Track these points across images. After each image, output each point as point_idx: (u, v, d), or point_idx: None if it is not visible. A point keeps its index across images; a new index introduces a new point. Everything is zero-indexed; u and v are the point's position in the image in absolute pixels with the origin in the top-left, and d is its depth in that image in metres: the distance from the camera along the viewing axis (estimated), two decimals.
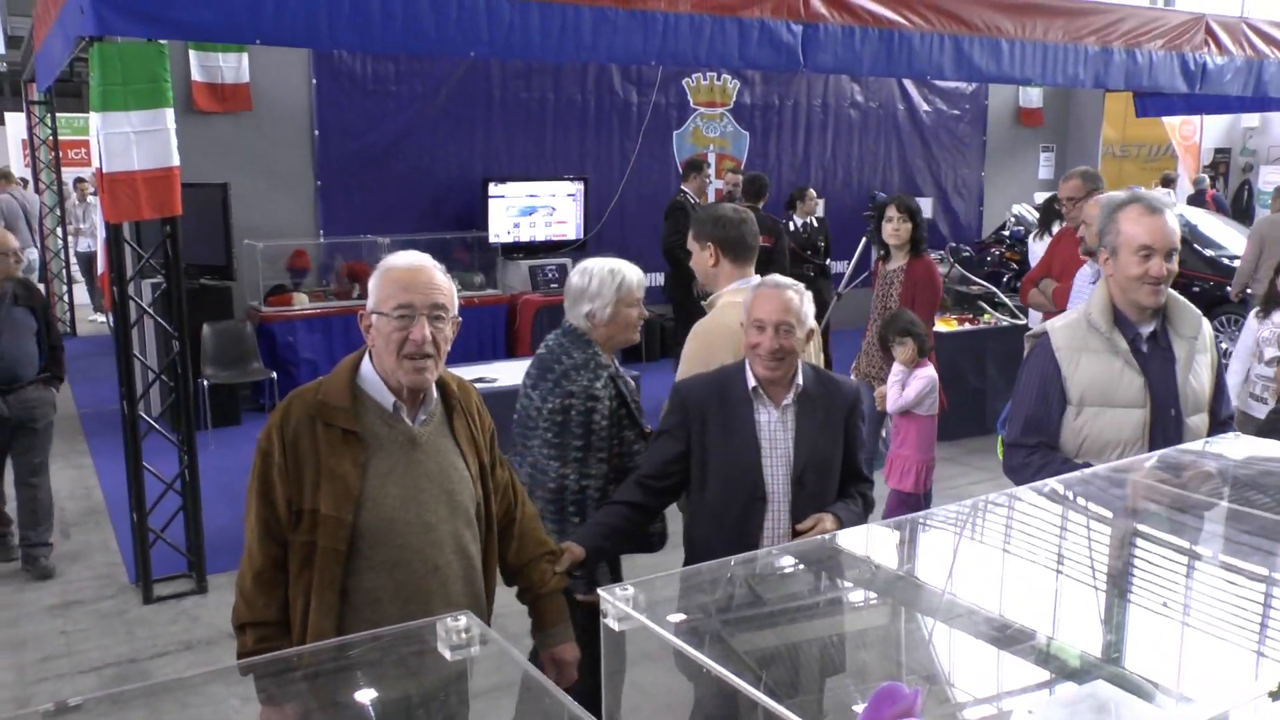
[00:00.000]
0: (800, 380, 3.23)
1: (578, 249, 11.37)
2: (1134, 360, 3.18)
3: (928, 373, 5.71)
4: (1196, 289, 10.67)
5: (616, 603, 1.36)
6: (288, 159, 10.19)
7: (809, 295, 3.28)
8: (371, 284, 2.62)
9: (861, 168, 13.43)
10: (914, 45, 6.91)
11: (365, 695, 1.69)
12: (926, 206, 13.54)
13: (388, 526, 2.54)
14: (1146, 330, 3.23)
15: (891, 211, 6.24)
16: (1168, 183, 15.47)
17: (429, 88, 10.72)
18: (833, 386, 3.33)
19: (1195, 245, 11.42)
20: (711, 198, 11.06)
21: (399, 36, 5.68)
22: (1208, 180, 17.04)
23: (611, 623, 1.36)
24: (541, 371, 3.65)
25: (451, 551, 2.64)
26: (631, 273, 3.66)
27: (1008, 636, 1.50)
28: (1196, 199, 16.13)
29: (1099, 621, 1.59)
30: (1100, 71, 7.99)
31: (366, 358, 2.67)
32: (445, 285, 2.63)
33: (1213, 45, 8.59)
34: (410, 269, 2.60)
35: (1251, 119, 17.13)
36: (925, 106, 13.80)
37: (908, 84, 13.44)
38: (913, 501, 5.66)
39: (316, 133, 10.28)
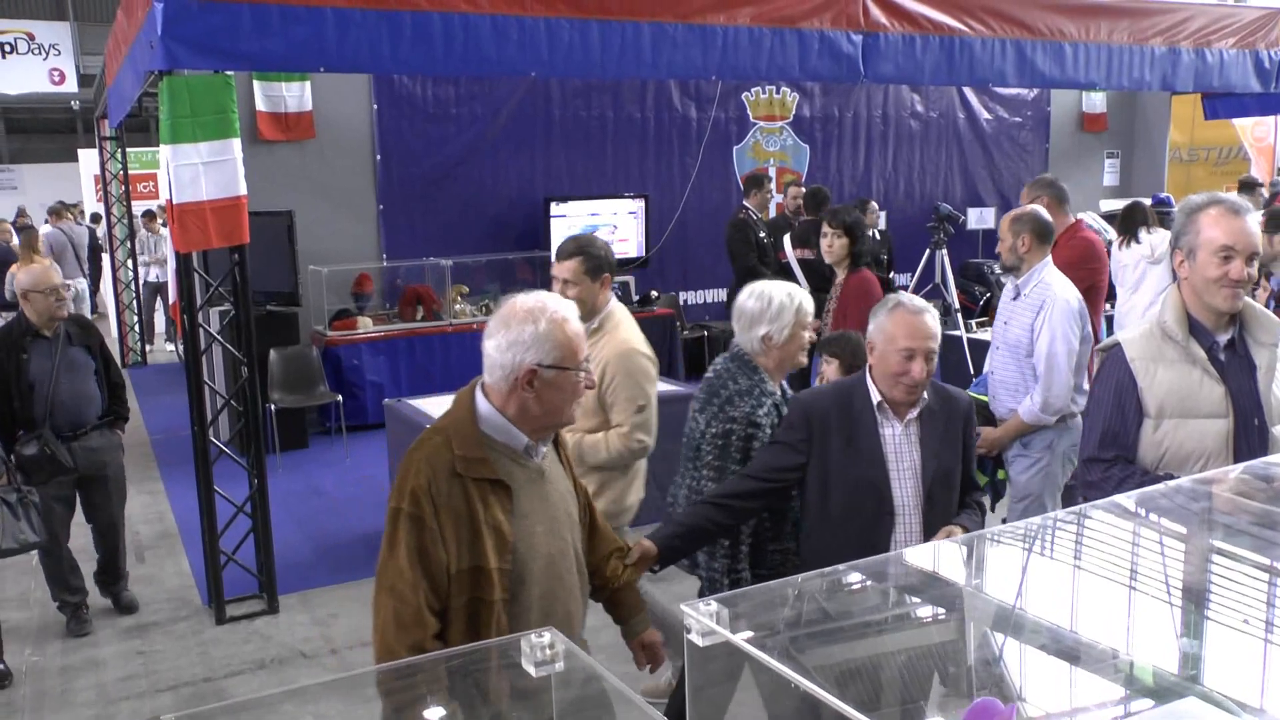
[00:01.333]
0: (925, 395, 3.25)
1: (640, 266, 11.37)
2: (1213, 369, 3.10)
3: None
4: None
5: (701, 617, 1.33)
6: (350, 184, 10.31)
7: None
8: (532, 335, 2.53)
9: (923, 178, 13.30)
10: (975, 52, 6.84)
11: (448, 715, 1.68)
12: (990, 216, 13.37)
13: (540, 563, 2.56)
14: (1224, 339, 3.15)
15: (826, 227, 6.16)
16: (1246, 187, 15.10)
17: (489, 109, 10.80)
18: (949, 398, 3.37)
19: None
20: (773, 212, 11.03)
21: (460, 58, 5.73)
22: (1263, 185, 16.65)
23: (695, 638, 1.34)
24: (708, 396, 3.74)
25: (577, 569, 2.72)
26: (805, 296, 3.79)
27: (1087, 655, 1.46)
28: (1271, 204, 15.76)
29: (1180, 639, 1.54)
30: (1167, 73, 7.85)
31: (483, 401, 2.62)
32: None
33: None
34: (579, 330, 2.61)
35: None
36: (986, 115, 13.64)
37: (968, 92, 13.30)
38: None
39: (378, 157, 10.40)
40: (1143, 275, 7.74)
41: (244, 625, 5.83)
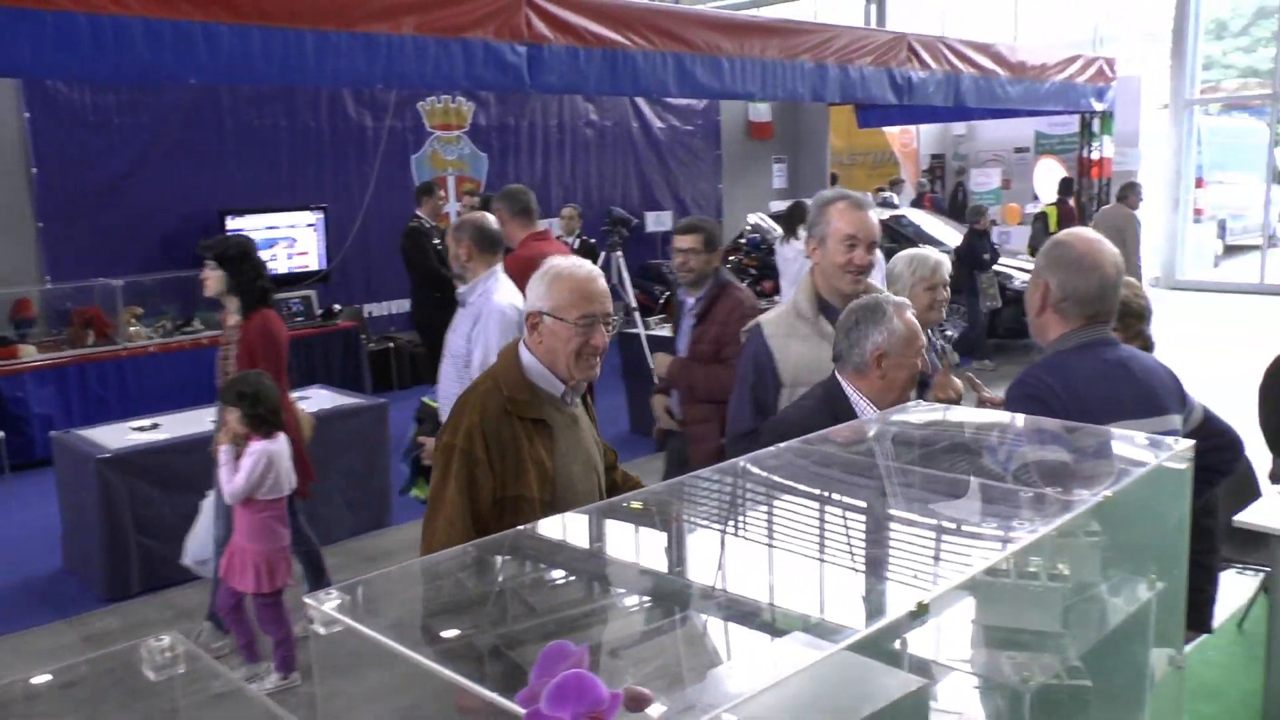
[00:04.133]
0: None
1: (320, 280, 11.13)
2: None
3: (260, 447, 4.72)
4: None
5: (323, 607, 1.37)
6: (2, 199, 9.56)
7: None
8: (543, 287, 2.80)
9: (602, 184, 13.69)
10: (638, 64, 7.13)
11: None
12: (667, 219, 13.94)
13: (574, 499, 2.79)
14: None
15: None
16: (896, 185, 16.47)
17: (157, 118, 10.27)
18: None
19: (922, 244, 12.13)
20: (454, 219, 11.07)
21: (112, 63, 5.42)
22: (927, 184, 18.21)
23: (318, 628, 1.37)
24: None
25: None
26: None
27: (695, 599, 1.60)
28: (916, 201, 17.20)
29: (773, 574, 1.70)
30: (817, 86, 8.43)
31: (525, 351, 2.85)
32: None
33: (915, 61, 9.21)
34: (589, 279, 2.82)
35: (959, 127, 18.38)
36: (659, 124, 14.20)
37: (641, 103, 13.80)
38: (262, 602, 4.84)
39: (34, 170, 9.69)
40: (801, 268, 8.28)
41: None
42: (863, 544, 1.77)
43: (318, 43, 5.96)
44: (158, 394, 8.64)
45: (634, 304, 9.01)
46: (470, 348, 4.68)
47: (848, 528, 1.84)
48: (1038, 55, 11.10)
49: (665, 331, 9.08)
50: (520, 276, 5.58)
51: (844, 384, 3.07)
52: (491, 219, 4.99)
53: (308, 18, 5.92)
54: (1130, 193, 12.24)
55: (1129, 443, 2.09)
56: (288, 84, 8.70)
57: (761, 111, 15.42)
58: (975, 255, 11.52)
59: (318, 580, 5.46)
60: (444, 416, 4.67)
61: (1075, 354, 2.61)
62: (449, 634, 1.50)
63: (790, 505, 1.96)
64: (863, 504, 1.93)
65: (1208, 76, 21.60)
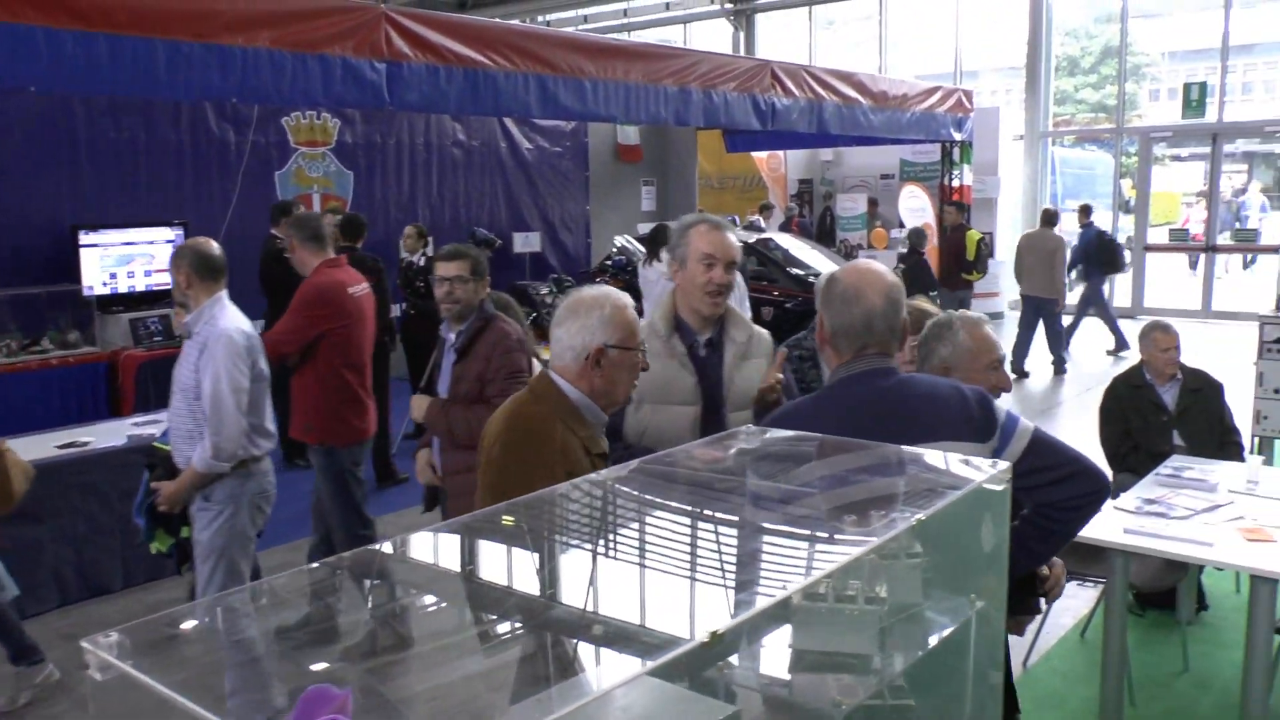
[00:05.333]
0: None
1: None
2: (689, 363, 3.52)
3: None
4: (789, 305, 11.51)
5: (100, 651, 1.29)
6: None
7: None
8: (598, 321, 2.81)
9: (469, 205, 13.57)
10: (499, 84, 7.10)
11: None
12: (535, 240, 13.92)
13: None
14: (705, 337, 3.58)
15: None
16: (765, 209, 16.70)
17: (1, 127, 9.85)
18: None
19: (788, 267, 12.35)
20: None
21: None
22: (796, 208, 18.52)
23: (94, 673, 1.30)
24: None
25: None
26: None
27: (499, 628, 1.57)
28: (785, 225, 17.48)
29: (585, 598, 1.68)
30: (680, 110, 8.50)
31: (565, 385, 2.84)
32: None
33: (779, 88, 9.37)
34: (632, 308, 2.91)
35: (827, 153, 18.75)
36: (527, 144, 14.17)
37: (509, 123, 13.75)
38: None
39: None
40: (664, 290, 8.33)
41: None
42: (680, 567, 1.75)
43: (169, 53, 5.79)
44: (11, 416, 8.25)
45: None
46: (199, 378, 4.43)
47: (670, 549, 1.83)
48: (899, 86, 11.40)
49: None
50: (317, 304, 5.49)
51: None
52: (214, 246, 4.68)
53: (157, 27, 5.74)
54: (1054, 219, 12.96)
55: (948, 465, 2.12)
56: (138, 94, 8.41)
57: (630, 134, 15.51)
58: (918, 278, 12.21)
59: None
60: (179, 459, 4.52)
61: (842, 385, 2.61)
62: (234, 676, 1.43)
63: (618, 526, 1.95)
64: (687, 525, 1.92)
65: (1061, 110, 22.48)
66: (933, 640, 1.92)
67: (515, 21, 10.80)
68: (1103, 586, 5.19)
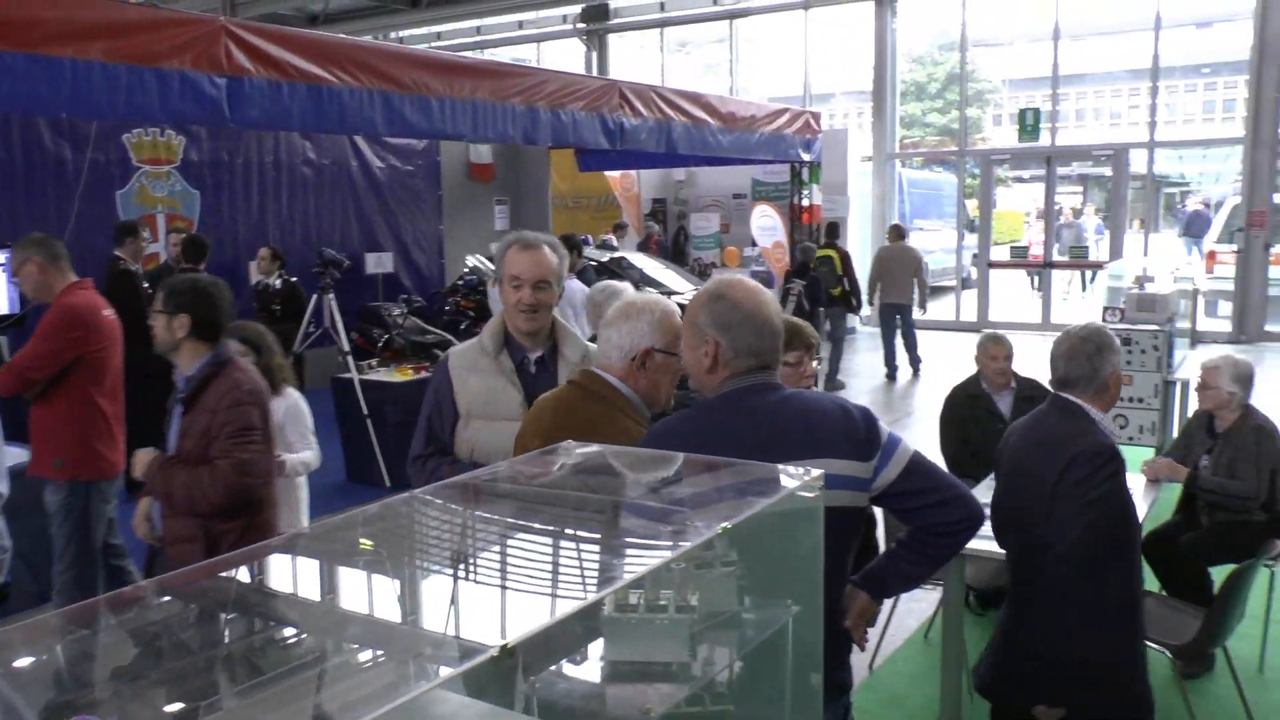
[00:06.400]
0: None
1: (14, 324, 10.31)
2: (517, 379, 3.55)
3: None
4: None
5: None
6: None
7: None
8: (647, 325, 2.96)
9: (320, 224, 13.31)
10: (344, 101, 6.99)
11: None
12: (388, 261, 13.74)
13: None
14: (536, 354, 3.61)
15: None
16: (620, 228, 16.79)
17: None
18: None
19: (642, 286, 12.44)
20: (165, 258, 10.54)
21: None
22: (656, 227, 18.69)
23: None
24: None
25: None
26: None
27: (300, 644, 1.54)
28: (644, 244, 17.63)
29: (395, 610, 1.66)
30: (529, 129, 8.50)
31: (620, 384, 2.98)
32: None
33: (627, 108, 9.45)
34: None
35: (679, 173, 18.97)
36: (379, 163, 13.99)
37: (359, 141, 13.55)
38: None
39: None
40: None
41: None
42: (490, 579, 1.75)
43: None
44: None
45: (347, 347, 8.79)
46: None
47: (481, 561, 1.83)
48: (747, 107, 11.62)
49: (382, 375, 8.92)
50: (74, 326, 5.05)
51: (1086, 407, 3.60)
52: None
53: None
54: (904, 233, 14.40)
55: (762, 473, 2.16)
56: None
57: (482, 153, 15.45)
58: (815, 296, 12.88)
59: None
60: None
61: (725, 400, 2.59)
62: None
63: (433, 537, 1.93)
64: (498, 538, 1.92)
65: (909, 133, 23.22)
66: (748, 646, 1.95)
67: (365, 38, 10.69)
68: (942, 589, 5.35)
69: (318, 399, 9.42)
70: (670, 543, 1.79)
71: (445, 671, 1.26)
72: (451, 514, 2.00)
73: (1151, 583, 5.66)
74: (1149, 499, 5.42)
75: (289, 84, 6.70)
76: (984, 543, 4.73)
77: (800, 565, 2.08)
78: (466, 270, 12.92)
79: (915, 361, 14.03)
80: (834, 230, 14.66)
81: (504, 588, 1.71)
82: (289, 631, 1.59)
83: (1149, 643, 4.55)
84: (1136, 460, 6.22)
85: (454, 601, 1.64)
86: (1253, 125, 16.65)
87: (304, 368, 9.16)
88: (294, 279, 9.13)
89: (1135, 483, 5.49)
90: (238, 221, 12.44)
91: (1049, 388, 3.82)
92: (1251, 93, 16.77)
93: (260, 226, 12.56)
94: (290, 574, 1.75)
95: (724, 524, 1.77)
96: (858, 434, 2.55)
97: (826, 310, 13.27)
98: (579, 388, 2.99)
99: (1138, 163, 18.94)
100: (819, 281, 13.16)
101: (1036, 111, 18.58)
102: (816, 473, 2.07)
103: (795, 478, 2.06)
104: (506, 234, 3.80)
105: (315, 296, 8.99)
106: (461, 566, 1.80)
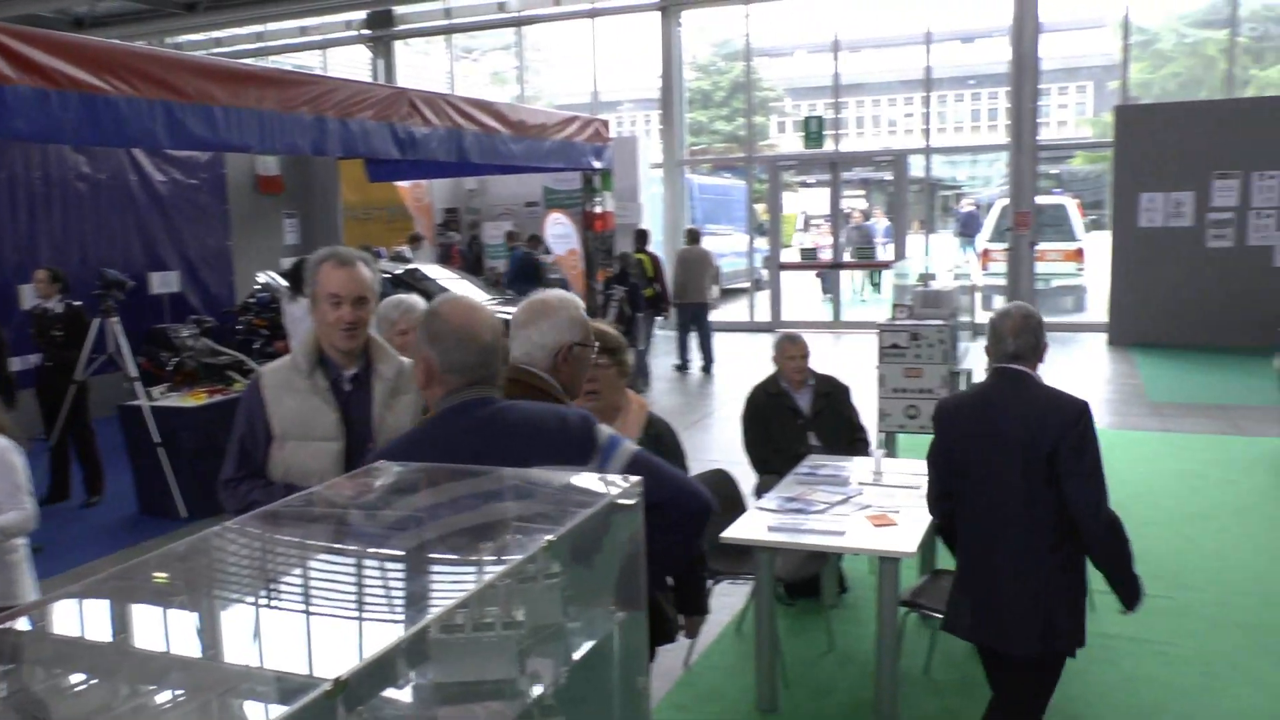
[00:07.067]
0: None
1: None
2: (332, 398, 3.45)
3: None
4: None
5: None
6: None
7: None
8: (566, 321, 2.97)
9: (99, 243, 12.59)
10: (121, 111, 6.62)
11: None
12: (174, 280, 13.16)
13: None
14: (351, 372, 3.52)
15: None
16: (415, 240, 16.56)
17: None
18: None
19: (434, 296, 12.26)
20: None
21: None
22: (458, 237, 18.50)
23: None
24: None
25: None
26: None
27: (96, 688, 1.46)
28: (446, 255, 17.45)
29: (208, 647, 1.59)
30: (318, 139, 8.25)
31: (551, 379, 2.96)
32: None
33: (418, 116, 9.30)
34: None
35: (471, 182, 18.84)
36: (160, 177, 13.37)
37: (138, 154, 12.92)
38: None
39: None
40: (309, 325, 8.10)
41: None
42: (315, 609, 1.69)
43: None
44: None
45: (134, 373, 8.38)
46: None
47: (302, 591, 1.76)
48: (537, 115, 11.60)
49: (174, 400, 8.56)
50: None
51: (1035, 375, 3.91)
52: None
53: None
54: (699, 236, 15.59)
55: (578, 483, 2.17)
56: None
57: (269, 165, 14.97)
58: (634, 299, 13.40)
59: None
60: None
61: (444, 417, 2.62)
62: None
63: (250, 570, 1.85)
64: (322, 565, 1.86)
65: (698, 140, 23.69)
66: (577, 655, 1.95)
67: (139, 44, 10.15)
68: (752, 582, 5.48)
69: (105, 428, 9.01)
70: (495, 559, 1.77)
71: (277, 711, 1.21)
72: (269, 542, 1.92)
73: (948, 561, 5.95)
74: None
75: (59, 93, 6.28)
76: (790, 535, 4.92)
77: (623, 572, 2.09)
78: (258, 287, 12.46)
79: (709, 361, 14.46)
80: (643, 237, 14.99)
81: (333, 617, 1.66)
82: (93, 680, 1.50)
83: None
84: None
85: (278, 636, 1.58)
86: (1015, 133, 17.65)
87: (87, 396, 8.67)
88: (78, 303, 8.61)
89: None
90: (4, 242, 11.64)
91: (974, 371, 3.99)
92: (1013, 103, 17.79)
93: (31, 248, 11.74)
94: (87, 618, 1.65)
95: (548, 536, 1.76)
96: (573, 441, 2.59)
97: (643, 314, 13.72)
98: (526, 386, 2.92)
99: (916, 167, 19.83)
100: (637, 287, 13.55)
101: (820, 119, 19.26)
102: (635, 479, 2.09)
103: (615, 486, 2.07)
104: (310, 249, 3.70)
105: (98, 320, 8.51)
106: (283, 598, 1.73)
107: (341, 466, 3.37)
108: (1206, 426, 10.58)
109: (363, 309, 3.48)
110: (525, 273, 14.99)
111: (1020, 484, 3.77)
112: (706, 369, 14.60)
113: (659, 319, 15.26)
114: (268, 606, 1.68)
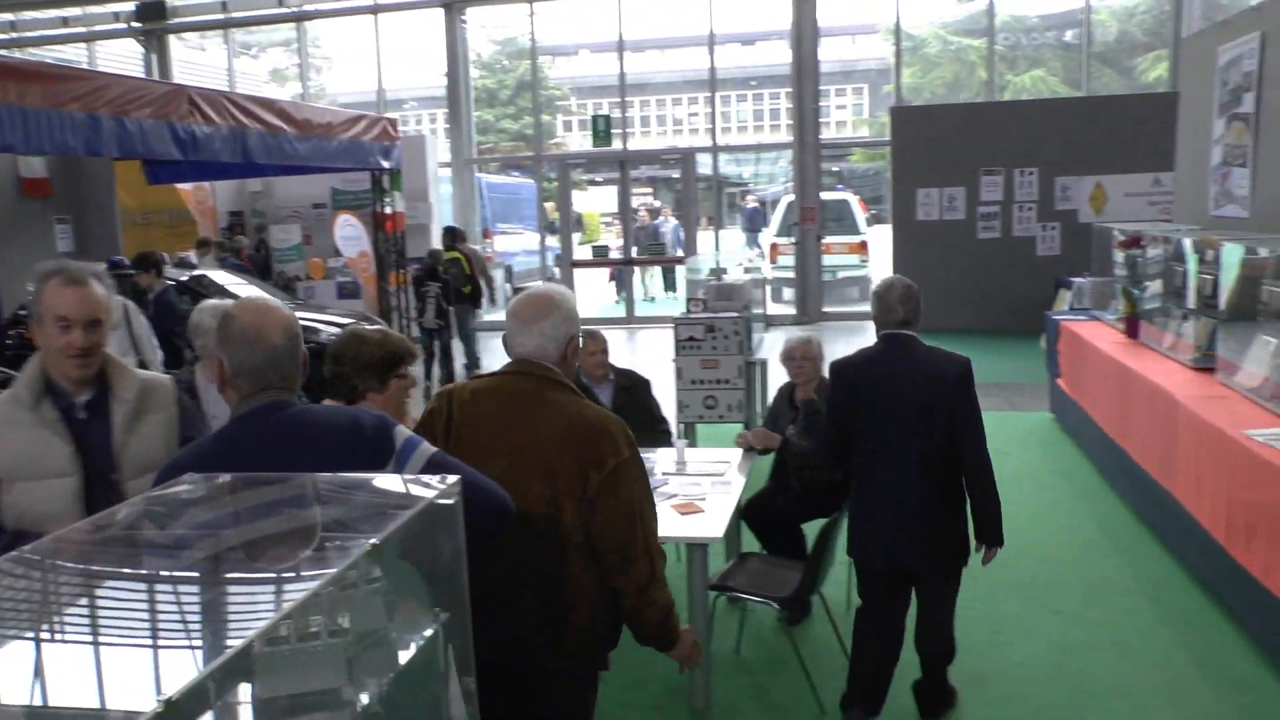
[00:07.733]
0: None
1: None
2: (64, 429, 3.09)
3: None
4: None
5: None
6: None
7: None
8: (568, 314, 3.13)
9: None
10: None
11: None
12: None
13: None
14: (84, 398, 3.15)
15: None
16: (203, 245, 15.84)
17: None
18: None
19: None
20: None
21: None
22: (246, 241, 17.80)
23: None
24: None
25: None
26: None
27: None
28: (236, 259, 16.78)
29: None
30: (91, 139, 7.83)
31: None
32: None
33: (198, 115, 8.94)
34: None
35: (255, 184, 18.21)
36: None
37: None
38: None
39: None
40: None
41: None
42: (131, 637, 1.62)
43: None
44: None
45: None
46: None
47: (114, 622, 1.68)
48: (323, 114, 11.33)
49: None
50: None
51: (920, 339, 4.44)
52: None
53: None
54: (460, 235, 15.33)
55: (399, 486, 2.15)
56: None
57: (35, 166, 14.07)
58: (448, 294, 13.56)
59: None
60: None
61: (241, 422, 2.56)
62: None
63: (50, 606, 1.76)
64: (128, 592, 1.78)
65: (485, 139, 23.55)
66: (404, 658, 1.93)
67: None
68: None
69: None
70: (317, 567, 1.73)
71: None
72: (68, 573, 1.82)
73: (752, 544, 6.12)
74: (745, 468, 5.85)
75: None
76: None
77: (445, 572, 2.08)
78: (30, 298, 11.66)
79: (474, 360, 14.46)
80: (456, 234, 14.92)
81: (152, 647, 1.59)
82: None
83: (756, 598, 5.21)
84: (728, 436, 6.72)
85: (95, 672, 1.50)
86: (799, 131, 18.28)
87: None
88: None
89: (733, 455, 5.99)
90: None
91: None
92: (795, 103, 18.40)
93: None
94: None
95: (371, 540, 1.73)
96: (367, 443, 2.57)
97: (457, 308, 13.85)
98: (543, 380, 3.05)
99: (703, 165, 20.24)
100: (449, 283, 13.55)
101: (608, 118, 19.44)
102: (453, 479, 2.09)
103: (433, 487, 2.06)
104: (87, 257, 3.44)
105: None
106: (94, 630, 1.65)
107: (80, 504, 3.05)
108: (985, 404, 11.12)
109: (95, 333, 3.09)
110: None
111: (909, 427, 4.36)
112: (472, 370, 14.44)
113: (477, 310, 15.07)
114: (72, 642, 1.59)
